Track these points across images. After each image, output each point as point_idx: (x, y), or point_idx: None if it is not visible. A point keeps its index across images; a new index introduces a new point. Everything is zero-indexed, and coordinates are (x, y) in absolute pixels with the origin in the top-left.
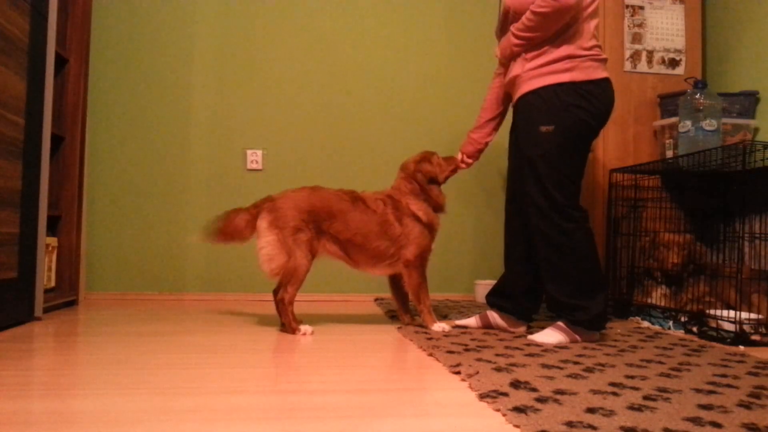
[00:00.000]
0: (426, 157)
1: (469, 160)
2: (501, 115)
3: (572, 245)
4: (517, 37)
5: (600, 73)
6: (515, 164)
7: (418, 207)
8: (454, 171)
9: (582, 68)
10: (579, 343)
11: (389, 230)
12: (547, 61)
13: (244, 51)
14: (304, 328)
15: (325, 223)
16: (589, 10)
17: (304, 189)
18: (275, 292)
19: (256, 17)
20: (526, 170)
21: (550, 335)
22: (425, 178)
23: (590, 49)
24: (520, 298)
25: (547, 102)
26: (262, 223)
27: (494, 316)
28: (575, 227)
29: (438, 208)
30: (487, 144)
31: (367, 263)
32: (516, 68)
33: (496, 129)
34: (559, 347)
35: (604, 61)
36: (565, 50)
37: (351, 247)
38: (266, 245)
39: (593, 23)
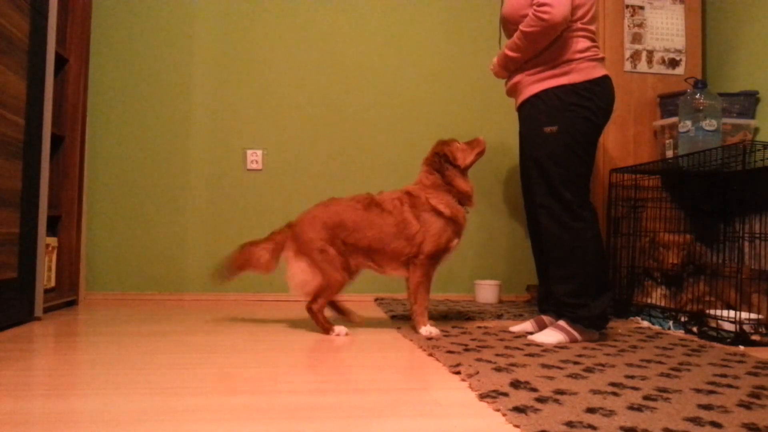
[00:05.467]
0: (443, 140)
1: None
2: None
3: (582, 246)
4: (511, 59)
5: (598, 72)
6: (524, 168)
7: (439, 200)
8: (479, 154)
9: (579, 70)
10: (579, 342)
11: (406, 229)
12: (545, 67)
13: (244, 51)
14: (338, 329)
15: (343, 235)
16: (588, 17)
17: (318, 207)
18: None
19: (256, 17)
20: (533, 172)
21: (550, 335)
22: (444, 160)
23: (586, 50)
24: None
25: (548, 104)
26: (289, 253)
27: (550, 320)
28: (585, 227)
29: (464, 199)
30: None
31: (391, 266)
32: (516, 75)
33: None
34: (559, 347)
35: (602, 59)
36: (561, 55)
37: (373, 252)
38: (299, 272)
39: (591, 27)
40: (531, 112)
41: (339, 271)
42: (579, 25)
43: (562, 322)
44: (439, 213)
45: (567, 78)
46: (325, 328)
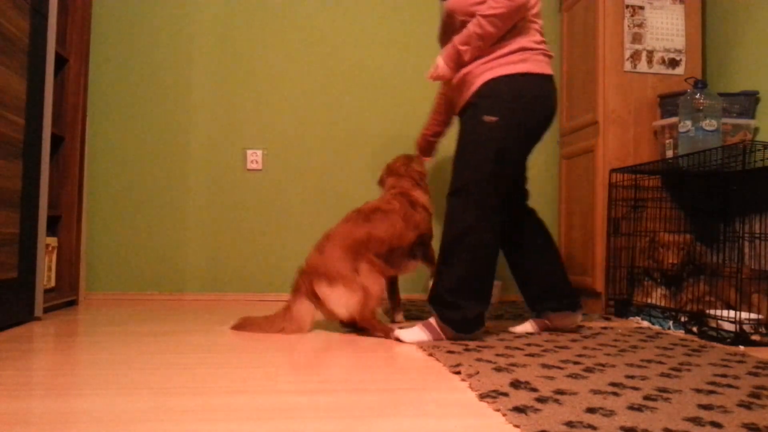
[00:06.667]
0: (415, 158)
1: (426, 158)
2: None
3: (474, 246)
4: (465, 53)
5: (549, 69)
6: None
7: (425, 199)
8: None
9: (535, 61)
10: (444, 340)
11: (412, 219)
12: (501, 54)
13: (244, 51)
14: (397, 331)
15: (363, 250)
16: (534, 10)
17: (322, 242)
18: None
19: (256, 17)
20: (455, 157)
21: (415, 333)
22: (422, 177)
23: (541, 44)
24: (559, 290)
25: (497, 92)
26: (323, 290)
27: (549, 319)
28: (486, 228)
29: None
30: (436, 136)
31: (406, 266)
32: (465, 67)
33: (446, 125)
34: (558, 347)
35: (551, 57)
36: (518, 43)
37: (390, 254)
38: (337, 298)
39: (540, 22)
40: (478, 99)
41: (372, 278)
42: (531, 17)
43: (431, 320)
44: (426, 209)
45: (524, 66)
46: (384, 331)
